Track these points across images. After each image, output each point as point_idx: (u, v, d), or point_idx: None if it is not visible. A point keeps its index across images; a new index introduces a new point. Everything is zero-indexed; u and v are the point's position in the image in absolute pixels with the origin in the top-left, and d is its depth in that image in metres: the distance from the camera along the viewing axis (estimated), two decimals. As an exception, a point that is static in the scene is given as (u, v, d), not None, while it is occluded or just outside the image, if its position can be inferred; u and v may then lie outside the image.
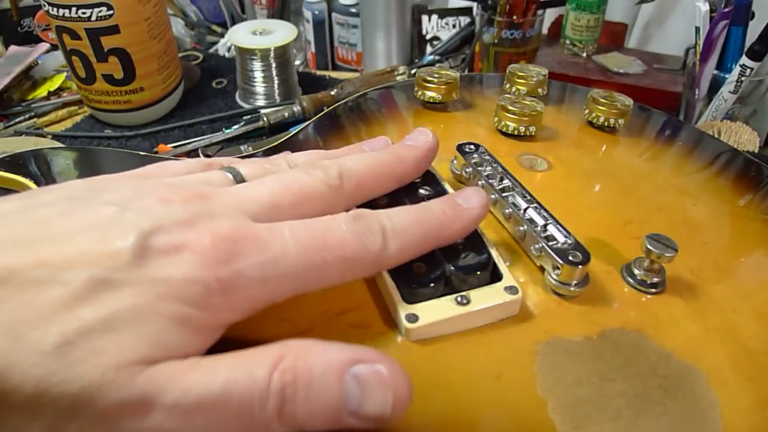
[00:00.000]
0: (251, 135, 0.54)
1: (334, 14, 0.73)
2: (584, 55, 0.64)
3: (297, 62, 0.77)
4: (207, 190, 0.20)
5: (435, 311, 0.22)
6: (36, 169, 0.32)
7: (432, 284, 0.22)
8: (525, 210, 0.26)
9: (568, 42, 0.64)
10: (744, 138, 0.47)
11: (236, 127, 0.53)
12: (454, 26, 0.71)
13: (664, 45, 0.68)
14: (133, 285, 0.16)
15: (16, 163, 0.32)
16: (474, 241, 0.24)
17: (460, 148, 0.30)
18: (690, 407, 0.21)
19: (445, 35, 0.71)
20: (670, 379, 0.21)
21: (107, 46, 0.50)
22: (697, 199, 0.31)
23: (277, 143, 0.36)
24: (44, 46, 0.64)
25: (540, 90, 0.39)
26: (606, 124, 0.36)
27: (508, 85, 0.39)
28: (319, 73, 0.69)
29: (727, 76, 0.49)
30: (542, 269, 0.25)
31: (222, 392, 0.16)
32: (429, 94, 0.37)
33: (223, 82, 0.64)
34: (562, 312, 0.24)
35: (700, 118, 0.52)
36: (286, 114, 0.54)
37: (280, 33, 0.58)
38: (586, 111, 0.37)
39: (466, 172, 0.30)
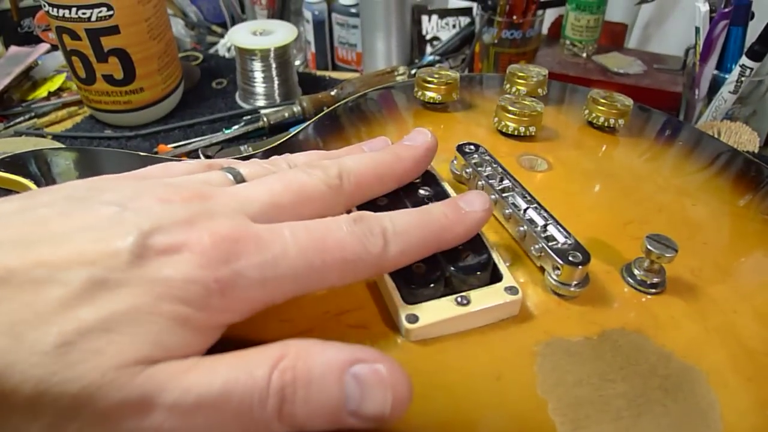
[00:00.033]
0: (251, 135, 0.54)
1: (334, 14, 0.73)
2: (584, 55, 0.64)
3: (297, 62, 0.77)
4: (207, 190, 0.20)
5: (435, 312, 0.22)
6: (36, 169, 0.32)
7: (432, 285, 0.22)
8: (525, 210, 0.26)
9: (568, 42, 0.64)
10: (744, 138, 0.47)
11: (236, 127, 0.53)
12: (454, 26, 0.71)
13: (664, 45, 0.68)
14: (133, 285, 0.16)
15: (17, 163, 0.32)
16: (474, 241, 0.24)
17: (460, 148, 0.30)
18: (690, 408, 0.21)
19: (445, 35, 0.71)
20: (670, 380, 0.21)
21: (107, 47, 0.50)
22: (697, 199, 0.31)
23: (277, 143, 0.36)
24: (44, 47, 0.64)
25: (540, 90, 0.39)
26: (606, 124, 0.36)
27: (508, 86, 0.39)
28: (319, 73, 0.69)
29: (727, 76, 0.48)
30: (542, 270, 0.25)
31: (222, 392, 0.16)
32: (429, 94, 0.37)
33: (223, 82, 0.64)
34: (562, 312, 0.24)
35: (700, 118, 0.52)
36: (286, 114, 0.54)
37: (280, 33, 0.58)
38: (586, 111, 0.37)
39: (466, 172, 0.30)
